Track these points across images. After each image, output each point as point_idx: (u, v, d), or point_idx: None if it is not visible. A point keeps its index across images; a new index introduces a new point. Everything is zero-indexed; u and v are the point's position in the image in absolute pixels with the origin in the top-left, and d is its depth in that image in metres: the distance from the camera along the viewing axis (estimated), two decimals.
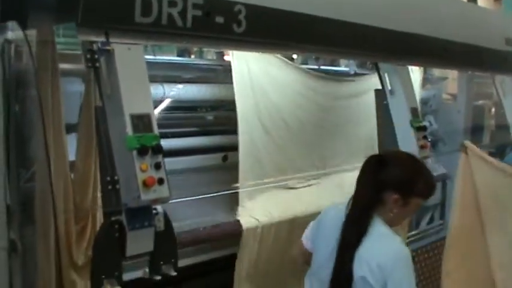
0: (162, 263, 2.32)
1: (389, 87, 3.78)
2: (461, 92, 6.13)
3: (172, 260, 2.35)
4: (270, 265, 3.69)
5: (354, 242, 2.35)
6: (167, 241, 2.30)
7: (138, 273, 2.40)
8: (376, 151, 3.77)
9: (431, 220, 6.36)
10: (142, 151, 2.11)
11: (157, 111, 3.45)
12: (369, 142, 4.51)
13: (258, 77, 3.68)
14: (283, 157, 3.95)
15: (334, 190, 4.04)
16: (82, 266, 2.70)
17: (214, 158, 3.83)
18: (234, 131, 3.60)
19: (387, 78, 3.78)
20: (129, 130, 2.11)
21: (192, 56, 5.33)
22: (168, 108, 3.71)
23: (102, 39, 2.11)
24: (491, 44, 4.49)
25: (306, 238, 2.70)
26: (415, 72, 4.88)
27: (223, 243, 3.60)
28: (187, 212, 3.37)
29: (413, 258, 4.19)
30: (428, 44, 3.73)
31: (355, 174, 2.53)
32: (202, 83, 3.89)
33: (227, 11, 2.43)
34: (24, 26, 2.23)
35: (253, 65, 3.63)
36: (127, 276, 2.29)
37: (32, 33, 2.30)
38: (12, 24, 2.27)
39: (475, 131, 6.25)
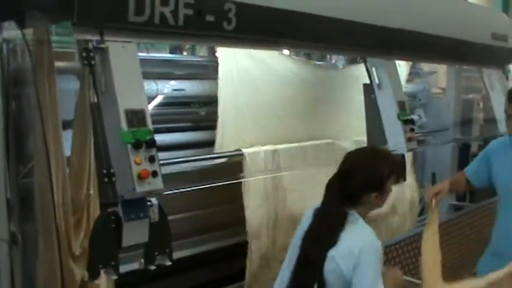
0: (156, 253, 2.38)
1: (377, 82, 3.82)
2: (450, 86, 6.21)
3: (167, 250, 2.41)
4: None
5: (319, 259, 2.41)
6: (162, 232, 2.37)
7: (134, 265, 2.47)
8: None
9: (422, 211, 6.46)
10: (136, 145, 2.18)
11: (150, 106, 3.53)
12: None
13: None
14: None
15: None
16: (79, 256, 2.77)
17: None
18: None
19: (375, 73, 3.82)
20: (123, 125, 2.18)
21: (185, 53, 5.40)
22: (161, 104, 3.79)
23: (97, 37, 2.18)
24: (478, 39, 4.57)
25: None
26: (402, 67, 4.94)
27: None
28: None
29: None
30: (416, 39, 3.81)
31: None
32: (194, 79, 3.97)
33: (217, 9, 2.51)
34: (22, 26, 2.30)
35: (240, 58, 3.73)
36: (123, 269, 2.37)
37: (30, 32, 2.36)
38: (10, 23, 2.34)
39: (464, 124, 6.34)
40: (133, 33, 2.28)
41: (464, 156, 6.38)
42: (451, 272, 3.18)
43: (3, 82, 2.45)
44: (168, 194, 2.93)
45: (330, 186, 2.54)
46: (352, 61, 4.92)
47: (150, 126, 2.26)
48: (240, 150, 3.76)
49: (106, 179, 2.21)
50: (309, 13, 2.96)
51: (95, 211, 2.76)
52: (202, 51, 5.35)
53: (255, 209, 3.82)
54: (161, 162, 2.31)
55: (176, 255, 2.48)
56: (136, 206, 2.25)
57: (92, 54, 2.21)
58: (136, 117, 2.22)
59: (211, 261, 4.22)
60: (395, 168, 2.59)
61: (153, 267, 2.41)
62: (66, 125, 2.69)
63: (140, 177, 2.17)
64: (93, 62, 2.21)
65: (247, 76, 3.83)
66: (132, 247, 2.31)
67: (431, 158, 6.36)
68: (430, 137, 6.26)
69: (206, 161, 3.81)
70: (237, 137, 3.85)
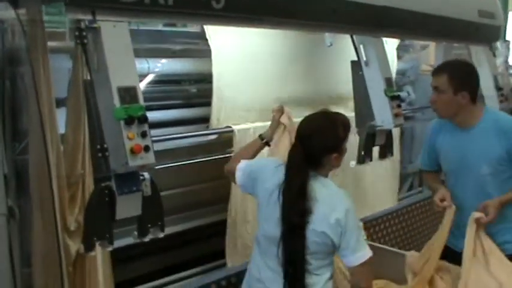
0: (149, 225, 2.46)
1: (364, 59, 3.88)
2: (439, 63, 6.25)
3: (159, 223, 2.49)
4: None
5: (299, 222, 2.51)
6: (154, 205, 2.44)
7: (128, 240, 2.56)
8: None
9: (410, 187, 6.59)
10: (129, 121, 2.25)
11: (142, 84, 3.59)
12: None
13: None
14: None
15: None
16: (74, 231, 2.85)
17: None
18: None
19: (362, 50, 3.89)
20: (116, 102, 2.24)
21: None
22: (152, 82, 3.85)
23: (89, 17, 2.24)
24: (465, 16, 4.63)
25: (241, 172, 2.80)
26: (390, 44, 5.00)
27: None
28: None
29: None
30: (403, 16, 3.87)
31: None
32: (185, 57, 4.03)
33: None
34: (15, 6, 2.35)
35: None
36: (119, 243, 2.45)
37: (24, 12, 2.41)
38: (4, 4, 2.39)
39: None
40: (125, 12, 2.34)
41: None
42: None
43: None
44: (161, 170, 3.03)
45: (293, 152, 2.62)
46: None
47: (142, 102, 2.32)
48: (230, 127, 3.84)
49: (100, 154, 2.28)
50: None
51: (90, 187, 2.83)
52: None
53: None
54: (153, 138, 2.37)
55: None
56: (129, 180, 2.32)
57: (84, 34, 2.26)
58: (128, 94, 2.28)
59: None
60: (348, 129, 2.68)
61: (146, 239, 2.48)
62: (58, 103, 2.74)
63: (133, 152, 2.24)
64: (85, 41, 2.27)
65: (240, 51, 3.90)
66: (125, 220, 2.38)
67: (420, 134, 6.45)
68: (418, 114, 6.34)
69: (200, 138, 3.89)
70: (233, 114, 3.93)
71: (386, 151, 4.09)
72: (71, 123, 2.78)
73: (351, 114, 3.79)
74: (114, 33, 2.31)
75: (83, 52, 2.31)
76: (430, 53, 6.57)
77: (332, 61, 4.69)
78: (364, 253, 2.56)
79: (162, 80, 3.95)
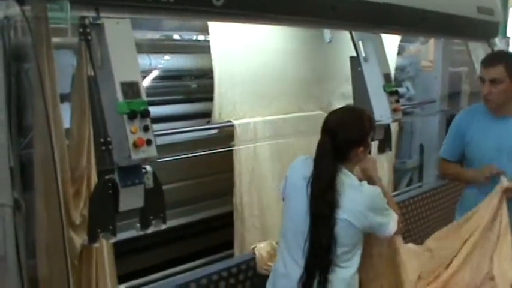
0: (152, 217, 2.51)
1: (363, 55, 3.94)
2: (438, 59, 6.30)
3: (161, 215, 2.54)
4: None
5: (327, 213, 2.57)
6: (156, 197, 2.49)
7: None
8: None
9: (410, 182, 6.63)
10: (132, 115, 2.30)
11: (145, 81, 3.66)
12: None
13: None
14: None
15: None
16: (79, 225, 2.89)
17: None
18: None
19: (361, 46, 3.95)
20: (119, 96, 2.30)
21: None
22: (155, 78, 3.91)
23: (93, 14, 2.29)
24: (463, 12, 4.66)
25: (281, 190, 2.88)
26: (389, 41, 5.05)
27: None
28: None
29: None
30: (401, 12, 3.90)
31: None
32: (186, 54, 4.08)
33: None
34: (21, 3, 2.40)
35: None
36: (122, 236, 2.49)
37: (29, 9, 2.46)
38: (10, 1, 2.44)
39: (452, 97, 6.45)
40: (128, 9, 2.39)
41: None
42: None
43: (5, 58, 2.55)
44: (164, 163, 3.08)
45: (322, 145, 2.66)
46: None
47: (144, 97, 2.38)
48: (231, 122, 3.89)
49: (103, 148, 2.34)
50: None
51: (94, 181, 2.87)
52: None
53: (243, 176, 3.98)
54: (155, 133, 2.43)
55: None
56: (132, 172, 2.38)
57: (88, 30, 2.32)
58: (131, 89, 2.34)
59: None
60: (374, 123, 2.81)
61: (149, 231, 2.54)
62: (62, 98, 2.75)
63: (135, 145, 2.30)
64: (89, 38, 2.33)
65: (241, 48, 3.95)
66: (128, 212, 2.43)
67: (420, 129, 6.51)
68: (418, 109, 6.39)
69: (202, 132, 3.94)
70: (234, 109, 3.99)
71: (385, 146, 4.15)
72: (75, 118, 2.80)
73: None
74: (118, 29, 2.36)
75: (86, 48, 2.37)
76: (429, 49, 6.62)
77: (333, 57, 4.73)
78: (394, 220, 2.68)
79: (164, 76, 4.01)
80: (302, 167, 2.71)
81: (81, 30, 2.32)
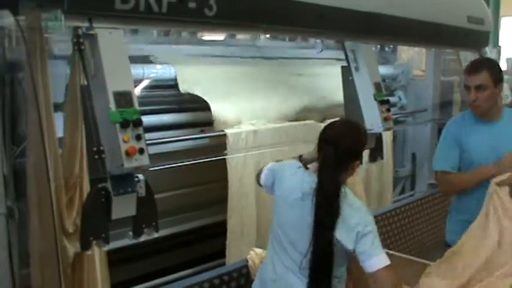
0: (144, 226, 2.53)
1: (354, 64, 3.98)
2: (429, 68, 6.35)
3: (153, 223, 2.56)
4: None
5: (330, 224, 2.54)
6: (148, 206, 2.52)
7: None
8: None
9: (402, 190, 6.66)
10: (124, 124, 2.33)
11: (137, 89, 3.68)
12: None
13: None
14: None
15: None
16: (72, 233, 2.91)
17: None
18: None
19: (352, 56, 3.99)
20: (112, 106, 2.33)
21: None
22: (147, 87, 3.94)
23: (86, 24, 2.32)
24: (454, 22, 4.71)
25: (267, 171, 2.89)
26: None
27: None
28: None
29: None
30: (392, 22, 3.94)
31: None
32: None
33: None
34: (15, 13, 2.43)
35: None
36: (115, 245, 2.50)
37: (23, 19, 2.49)
38: (5, 12, 2.47)
39: (444, 106, 6.48)
40: (120, 20, 2.42)
41: None
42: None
43: (0, 67, 2.58)
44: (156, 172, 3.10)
45: (327, 154, 2.59)
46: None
47: (137, 106, 2.40)
48: (223, 131, 3.92)
49: (96, 156, 2.36)
50: None
51: (87, 190, 2.89)
52: None
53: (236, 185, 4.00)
54: (148, 142, 2.45)
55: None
56: (125, 181, 2.40)
57: (81, 40, 2.35)
58: (123, 98, 2.36)
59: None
60: (367, 137, 2.78)
61: (141, 239, 2.56)
62: (56, 107, 2.79)
63: (128, 154, 2.32)
64: (83, 48, 2.35)
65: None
66: (121, 220, 2.45)
67: (412, 138, 6.54)
68: (409, 118, 6.43)
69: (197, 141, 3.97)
70: (229, 117, 4.03)
71: (376, 155, 4.18)
72: (68, 127, 2.82)
73: None
74: (111, 39, 2.39)
75: (80, 58, 2.39)
76: (421, 59, 6.66)
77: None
78: (381, 258, 2.54)
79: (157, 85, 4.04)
80: (294, 175, 2.70)
81: (74, 40, 2.35)
